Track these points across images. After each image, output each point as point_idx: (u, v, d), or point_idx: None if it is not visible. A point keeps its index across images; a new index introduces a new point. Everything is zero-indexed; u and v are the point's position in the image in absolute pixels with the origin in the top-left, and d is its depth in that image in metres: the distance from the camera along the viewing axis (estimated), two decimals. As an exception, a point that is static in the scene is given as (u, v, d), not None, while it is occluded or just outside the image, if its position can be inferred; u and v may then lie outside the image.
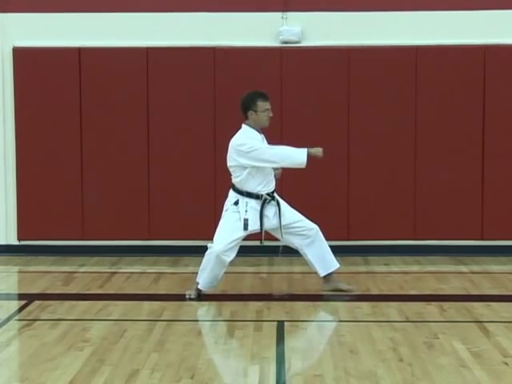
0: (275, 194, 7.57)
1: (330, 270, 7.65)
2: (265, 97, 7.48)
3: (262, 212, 7.45)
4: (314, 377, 5.36)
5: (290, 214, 7.57)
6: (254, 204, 7.46)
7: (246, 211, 7.44)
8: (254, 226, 7.46)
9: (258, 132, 7.55)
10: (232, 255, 7.46)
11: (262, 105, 7.45)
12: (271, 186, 7.53)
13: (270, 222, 7.51)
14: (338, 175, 9.65)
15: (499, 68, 9.53)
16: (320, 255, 7.59)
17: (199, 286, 7.51)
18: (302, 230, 7.54)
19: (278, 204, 7.51)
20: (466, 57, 9.54)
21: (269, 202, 7.47)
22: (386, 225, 9.67)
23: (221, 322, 6.90)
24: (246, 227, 7.42)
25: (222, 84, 9.63)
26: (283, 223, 7.50)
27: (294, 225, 7.55)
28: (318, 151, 7.46)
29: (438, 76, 9.56)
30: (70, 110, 9.66)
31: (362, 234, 9.69)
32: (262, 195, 7.46)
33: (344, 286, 7.73)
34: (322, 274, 7.65)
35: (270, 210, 7.50)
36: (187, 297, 7.49)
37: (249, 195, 7.48)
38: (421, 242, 9.73)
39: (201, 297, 7.49)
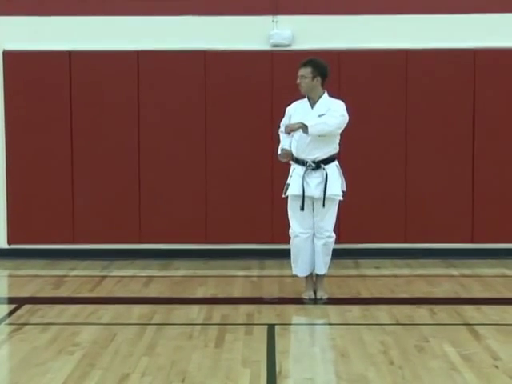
0: (327, 165, 7.46)
1: (316, 273, 7.65)
2: (300, 64, 7.53)
3: (304, 179, 7.45)
4: (305, 380, 5.36)
5: (327, 209, 7.48)
6: (300, 170, 7.49)
7: (291, 176, 7.54)
8: (295, 191, 7.46)
9: (309, 99, 7.53)
10: (298, 230, 7.52)
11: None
12: (317, 155, 7.43)
13: (312, 191, 7.45)
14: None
15: (489, 71, 9.56)
16: (317, 255, 7.57)
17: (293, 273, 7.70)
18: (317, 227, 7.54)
19: (327, 176, 7.44)
20: (456, 60, 9.57)
21: (313, 169, 7.44)
22: (376, 228, 9.68)
23: (211, 325, 6.88)
24: (285, 191, 7.52)
25: (212, 87, 9.63)
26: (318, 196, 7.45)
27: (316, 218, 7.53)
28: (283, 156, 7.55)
29: (427, 79, 9.58)
30: (61, 113, 9.64)
31: (353, 238, 9.69)
32: (306, 162, 7.47)
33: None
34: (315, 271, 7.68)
35: (314, 179, 7.47)
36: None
37: (296, 161, 7.53)
38: (411, 245, 9.75)
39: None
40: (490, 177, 9.63)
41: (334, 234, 7.60)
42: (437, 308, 7.24)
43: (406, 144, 9.65)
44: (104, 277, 8.80)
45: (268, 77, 9.58)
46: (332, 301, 7.56)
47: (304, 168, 7.47)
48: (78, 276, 8.88)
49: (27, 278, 8.79)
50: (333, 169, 7.53)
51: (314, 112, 7.47)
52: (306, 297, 7.64)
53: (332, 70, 9.48)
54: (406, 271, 9.13)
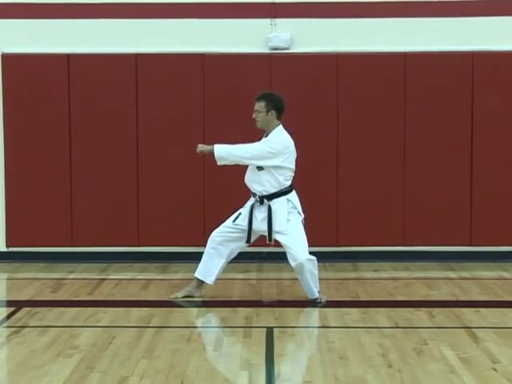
0: (273, 200, 7.42)
1: (309, 298, 7.60)
2: (256, 97, 7.56)
3: (252, 212, 7.48)
4: (304, 383, 5.36)
5: (287, 234, 7.42)
6: (250, 202, 7.55)
7: (244, 207, 7.59)
8: (242, 222, 7.51)
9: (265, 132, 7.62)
10: (220, 247, 7.58)
11: None
12: (259, 190, 7.45)
13: (258, 225, 7.49)
14: (327, 181, 9.66)
15: (487, 74, 9.56)
16: (304, 283, 7.54)
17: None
18: (288, 256, 7.50)
19: (270, 210, 7.44)
20: (454, 63, 9.58)
21: (260, 203, 7.46)
22: (375, 231, 9.68)
23: (210, 328, 6.88)
24: (234, 219, 7.56)
25: (211, 90, 9.63)
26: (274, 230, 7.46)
27: (283, 245, 7.50)
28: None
29: (426, 82, 9.59)
30: (59, 116, 9.64)
31: (352, 240, 9.70)
32: (255, 194, 7.50)
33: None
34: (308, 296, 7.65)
35: (260, 214, 7.50)
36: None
37: (252, 193, 7.57)
38: (410, 248, 9.75)
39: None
40: (488, 179, 9.63)
41: (311, 257, 7.46)
42: (435, 311, 7.24)
43: (404, 147, 9.65)
44: (102, 280, 8.79)
45: (266, 80, 9.57)
46: (331, 304, 7.56)
47: (254, 200, 7.52)
48: (76, 279, 8.87)
49: (26, 281, 8.78)
50: (280, 203, 7.46)
51: (262, 141, 7.55)
52: (175, 294, 7.74)
53: (330, 73, 9.57)
54: (404, 274, 9.13)
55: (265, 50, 9.67)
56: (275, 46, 9.64)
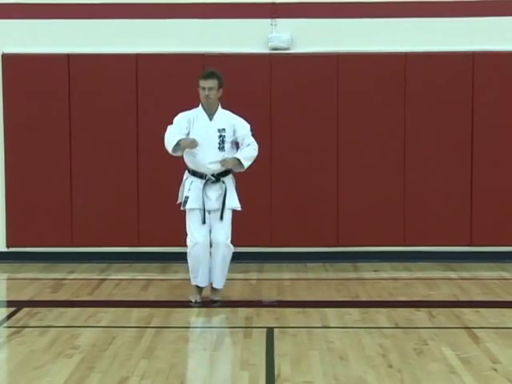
0: (225, 177, 7.48)
1: (215, 287, 7.60)
2: (204, 76, 7.58)
3: (204, 192, 7.45)
4: (304, 383, 5.36)
5: (224, 220, 7.47)
6: (199, 183, 7.49)
7: (189, 189, 7.50)
8: (195, 205, 7.44)
9: (205, 111, 7.57)
10: (199, 239, 7.48)
11: (200, 83, 7.57)
12: (215, 168, 7.43)
13: (212, 204, 7.46)
14: (328, 181, 9.65)
15: (487, 74, 9.56)
16: (214, 268, 7.52)
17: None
18: (214, 235, 7.50)
19: (225, 188, 7.45)
20: (455, 63, 9.57)
21: (213, 182, 7.45)
22: (375, 231, 9.68)
23: (210, 328, 6.87)
24: (184, 204, 7.49)
25: (211, 90, 9.61)
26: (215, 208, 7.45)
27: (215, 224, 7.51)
28: (189, 143, 7.45)
29: (426, 82, 9.58)
30: (59, 116, 9.64)
31: (352, 241, 9.69)
32: (205, 175, 7.46)
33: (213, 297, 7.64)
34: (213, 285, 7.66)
35: (214, 192, 7.47)
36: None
37: (193, 174, 7.53)
38: (410, 248, 9.75)
39: None
40: (488, 179, 9.63)
41: (231, 246, 7.53)
42: (436, 311, 7.24)
43: (404, 147, 9.65)
44: (103, 280, 8.79)
45: (266, 80, 9.58)
46: (331, 304, 7.56)
47: (203, 181, 7.47)
48: (76, 279, 8.87)
49: (26, 281, 8.78)
50: (229, 181, 7.55)
51: (214, 125, 7.54)
52: (193, 300, 7.61)
53: (331, 73, 9.57)
54: (404, 274, 9.13)
55: (265, 50, 9.67)
56: (275, 46, 9.64)
